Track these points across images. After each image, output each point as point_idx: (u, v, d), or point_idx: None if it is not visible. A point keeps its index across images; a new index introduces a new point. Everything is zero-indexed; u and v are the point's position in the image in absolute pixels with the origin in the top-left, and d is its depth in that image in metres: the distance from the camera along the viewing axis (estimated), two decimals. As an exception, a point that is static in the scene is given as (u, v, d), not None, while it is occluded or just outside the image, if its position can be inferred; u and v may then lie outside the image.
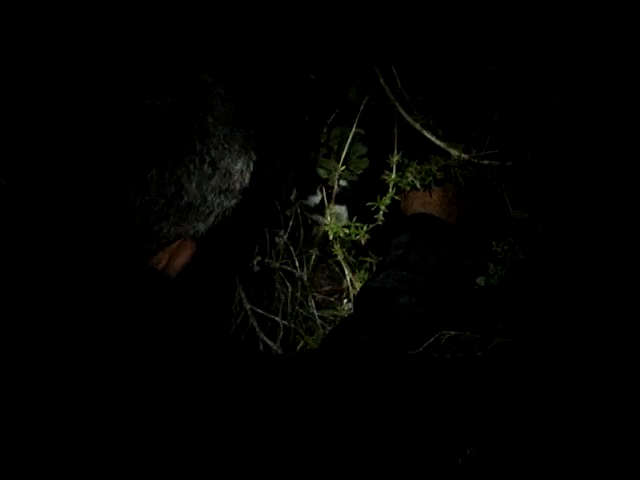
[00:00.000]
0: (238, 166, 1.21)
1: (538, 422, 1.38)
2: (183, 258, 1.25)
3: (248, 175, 1.23)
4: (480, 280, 1.48)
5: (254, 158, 1.24)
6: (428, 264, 1.59)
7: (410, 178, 1.65)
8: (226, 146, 1.19)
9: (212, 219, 1.22)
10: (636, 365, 1.35)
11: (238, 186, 1.23)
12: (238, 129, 1.21)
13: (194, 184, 1.16)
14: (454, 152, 1.63)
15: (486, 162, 1.61)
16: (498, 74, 1.64)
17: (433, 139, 1.66)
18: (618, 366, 1.36)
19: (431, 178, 1.65)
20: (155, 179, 1.14)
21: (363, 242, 1.67)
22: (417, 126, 1.67)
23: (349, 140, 1.76)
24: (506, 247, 1.48)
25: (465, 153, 1.62)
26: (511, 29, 1.60)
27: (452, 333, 1.40)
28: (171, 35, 1.38)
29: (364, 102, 1.75)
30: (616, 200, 1.40)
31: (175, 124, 1.16)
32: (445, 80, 1.69)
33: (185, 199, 1.17)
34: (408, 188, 1.65)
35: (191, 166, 1.16)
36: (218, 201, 1.20)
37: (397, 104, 1.68)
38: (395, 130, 1.69)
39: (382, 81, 1.69)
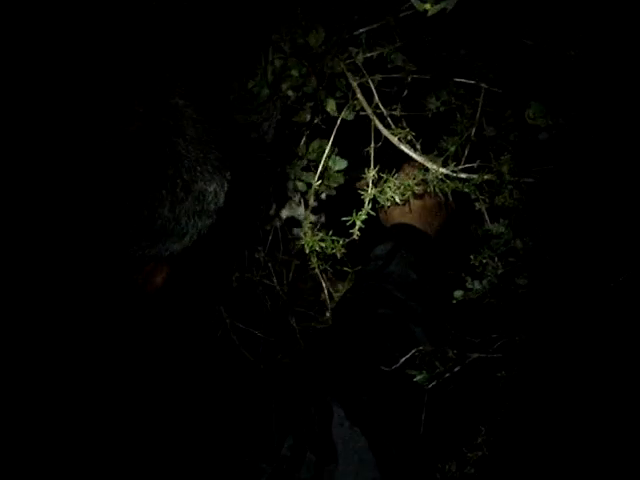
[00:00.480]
0: (212, 188, 1.20)
1: (518, 435, 1.38)
2: (159, 278, 1.24)
3: (222, 195, 1.22)
4: (458, 294, 1.47)
5: (229, 178, 1.23)
6: (408, 276, 1.60)
7: (389, 193, 1.65)
8: (199, 169, 1.18)
9: (187, 239, 1.21)
10: (623, 376, 1.36)
11: (212, 207, 1.22)
12: (211, 151, 1.20)
13: (167, 208, 1.16)
14: (432, 166, 1.63)
15: (464, 176, 1.61)
16: (476, 87, 1.64)
17: (411, 153, 1.66)
18: (602, 380, 1.36)
19: (410, 192, 1.65)
20: (127, 205, 1.14)
21: (339, 255, 1.68)
22: (395, 140, 1.67)
23: (326, 153, 1.76)
24: (484, 261, 1.47)
25: (443, 167, 1.62)
26: (490, 40, 1.59)
27: (430, 348, 1.40)
28: (140, 59, 1.37)
29: (341, 116, 1.75)
30: (598, 215, 1.40)
31: (146, 149, 1.15)
32: (423, 93, 1.70)
33: (158, 222, 1.16)
34: (388, 203, 1.65)
35: (163, 191, 1.15)
36: (192, 222, 1.19)
37: (374, 118, 1.68)
38: (372, 144, 1.68)
39: (359, 95, 1.69)
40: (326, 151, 1.75)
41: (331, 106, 1.76)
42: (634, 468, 1.40)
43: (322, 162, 1.75)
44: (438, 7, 1.25)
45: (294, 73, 1.71)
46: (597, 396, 1.38)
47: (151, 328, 1.28)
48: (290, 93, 1.73)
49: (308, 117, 1.76)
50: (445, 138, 1.65)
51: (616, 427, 1.42)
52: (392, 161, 1.70)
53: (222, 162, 1.22)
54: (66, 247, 1.15)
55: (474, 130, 1.63)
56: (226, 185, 1.23)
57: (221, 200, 1.23)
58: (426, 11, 1.23)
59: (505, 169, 1.51)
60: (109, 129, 1.14)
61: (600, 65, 1.41)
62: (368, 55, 1.69)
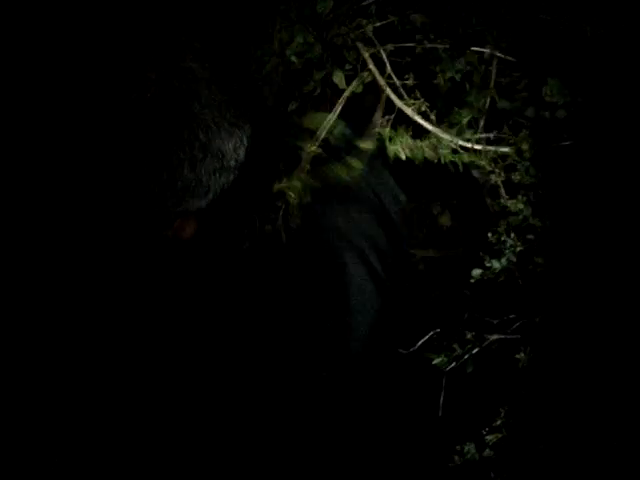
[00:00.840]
0: (230, 145, 1.24)
1: (536, 420, 1.37)
2: (187, 232, 1.30)
3: (242, 150, 1.26)
4: (476, 273, 1.45)
5: (248, 133, 1.26)
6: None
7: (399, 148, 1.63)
8: (214, 128, 1.22)
9: (211, 196, 1.25)
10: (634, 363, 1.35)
11: (233, 163, 1.26)
12: (227, 110, 1.23)
13: (186, 169, 1.20)
14: (445, 136, 1.60)
15: (479, 147, 1.58)
16: (492, 55, 1.60)
17: (425, 124, 1.62)
18: (617, 364, 1.35)
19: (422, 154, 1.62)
20: (148, 169, 1.18)
21: None
22: (408, 111, 1.63)
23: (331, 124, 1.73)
24: (502, 238, 1.45)
25: (457, 136, 1.59)
26: (506, 13, 1.55)
27: (446, 330, 1.39)
28: (150, 22, 1.36)
29: (350, 88, 1.70)
30: (617, 194, 1.38)
31: (161, 114, 1.18)
32: (436, 62, 1.65)
33: (180, 183, 1.21)
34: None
35: (181, 153, 1.18)
36: (214, 179, 1.23)
37: (387, 89, 1.64)
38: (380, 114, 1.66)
39: (371, 65, 1.65)
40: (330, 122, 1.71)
41: (339, 78, 1.71)
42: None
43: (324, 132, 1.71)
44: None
45: (299, 39, 1.66)
46: (615, 380, 1.37)
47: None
48: (294, 59, 1.68)
49: (317, 89, 1.71)
50: (457, 110, 1.61)
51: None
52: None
53: (239, 119, 1.24)
54: (94, 213, 1.18)
55: (488, 100, 1.59)
56: (245, 140, 1.26)
57: (241, 155, 1.26)
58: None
59: (525, 146, 1.48)
60: (125, 98, 1.17)
61: (616, 43, 1.37)
62: (378, 24, 1.64)
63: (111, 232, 1.17)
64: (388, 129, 1.64)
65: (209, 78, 1.22)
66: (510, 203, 1.47)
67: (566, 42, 1.43)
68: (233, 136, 1.22)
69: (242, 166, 1.25)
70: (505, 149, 1.55)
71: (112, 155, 1.15)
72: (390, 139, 1.64)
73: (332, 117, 1.72)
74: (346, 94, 1.68)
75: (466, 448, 1.34)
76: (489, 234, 1.46)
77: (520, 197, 1.47)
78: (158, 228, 1.21)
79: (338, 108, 1.69)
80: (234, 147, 1.22)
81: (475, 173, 1.64)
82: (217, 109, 1.21)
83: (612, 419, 1.33)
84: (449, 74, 1.61)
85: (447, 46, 1.58)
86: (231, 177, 1.22)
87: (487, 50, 1.58)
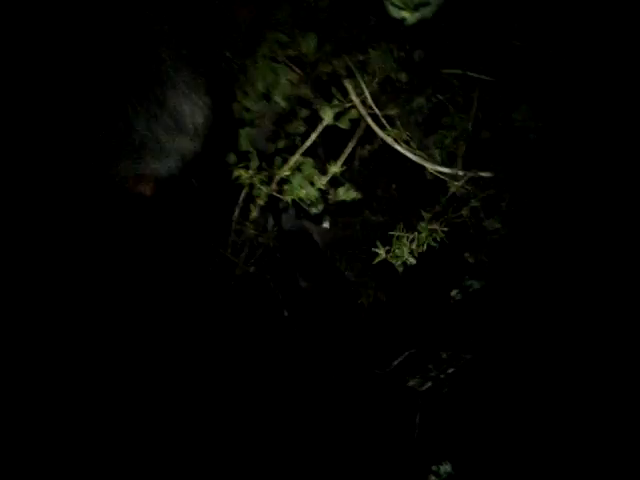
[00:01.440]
0: (186, 107, 1.24)
1: (515, 434, 1.34)
2: (147, 188, 1.29)
3: (200, 114, 1.27)
4: (455, 293, 1.44)
5: (207, 101, 1.27)
6: None
7: None
8: (169, 84, 1.23)
9: (171, 162, 1.25)
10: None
11: (190, 126, 1.26)
12: (186, 68, 1.25)
13: (142, 123, 1.21)
14: (428, 165, 1.61)
15: (461, 173, 1.58)
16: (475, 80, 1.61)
17: (407, 153, 1.64)
18: (594, 383, 1.32)
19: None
20: (105, 118, 1.18)
21: None
22: (389, 140, 1.65)
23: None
24: (479, 257, 1.44)
25: (440, 166, 1.60)
26: (478, 42, 1.57)
27: (422, 350, 1.37)
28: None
29: (339, 124, 1.72)
30: (591, 214, 1.37)
31: (121, 68, 1.19)
32: (418, 91, 1.67)
33: (137, 138, 1.21)
34: None
35: (137, 105, 1.20)
36: (171, 141, 1.24)
37: (368, 119, 1.66)
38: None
39: (354, 97, 1.67)
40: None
41: (327, 114, 1.72)
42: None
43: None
44: (417, 16, 1.24)
45: (283, 80, 1.69)
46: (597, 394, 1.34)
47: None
48: (281, 101, 1.70)
49: (301, 128, 1.73)
50: (441, 132, 1.63)
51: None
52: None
53: (197, 83, 1.26)
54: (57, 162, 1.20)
55: (470, 125, 1.60)
56: (203, 106, 1.27)
57: (199, 121, 1.27)
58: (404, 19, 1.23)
59: (501, 173, 1.49)
60: (82, 45, 1.19)
61: (585, 69, 1.39)
62: (361, 58, 1.67)
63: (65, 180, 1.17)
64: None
65: (174, 42, 1.25)
66: (487, 222, 1.47)
67: (536, 67, 1.44)
68: (190, 99, 1.23)
69: (205, 137, 1.26)
70: (485, 174, 1.55)
71: (70, 102, 1.16)
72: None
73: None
74: (325, 123, 1.69)
75: (442, 468, 1.31)
76: (466, 254, 1.45)
77: (497, 217, 1.46)
78: (121, 183, 1.21)
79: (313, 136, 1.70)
80: (191, 110, 1.23)
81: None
82: (175, 68, 1.22)
83: (591, 441, 1.30)
84: (421, 100, 1.64)
85: (419, 75, 1.61)
86: (191, 145, 1.22)
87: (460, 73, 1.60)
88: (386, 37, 1.62)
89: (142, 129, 1.18)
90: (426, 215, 1.52)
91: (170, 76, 1.21)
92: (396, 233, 1.52)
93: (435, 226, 1.47)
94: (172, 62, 1.22)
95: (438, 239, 1.43)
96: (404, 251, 1.45)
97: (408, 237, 1.50)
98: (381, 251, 1.47)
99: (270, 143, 1.75)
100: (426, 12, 1.22)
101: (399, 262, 1.44)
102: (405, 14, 1.23)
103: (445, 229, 1.44)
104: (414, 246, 1.46)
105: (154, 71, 1.20)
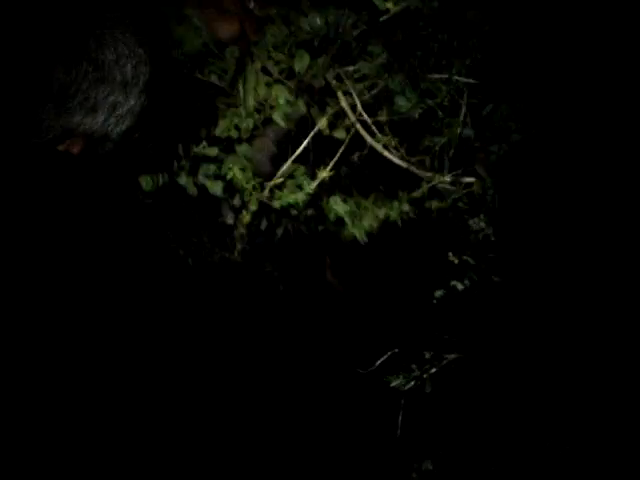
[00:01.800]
0: (112, 56, 1.19)
1: (497, 434, 1.32)
2: (75, 148, 1.21)
3: (129, 67, 1.20)
4: (438, 294, 1.44)
5: (140, 53, 1.19)
6: None
7: None
8: (88, 31, 1.16)
9: (101, 117, 1.20)
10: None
11: (119, 77, 1.19)
12: (109, 12, 1.19)
13: (61, 69, 1.14)
14: (416, 171, 1.62)
15: (448, 178, 1.59)
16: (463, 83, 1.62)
17: (395, 160, 1.64)
18: (580, 385, 1.30)
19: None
20: (21, 62, 1.13)
21: None
22: (379, 147, 1.66)
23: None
24: (464, 257, 1.44)
25: (428, 171, 1.61)
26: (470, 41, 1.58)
27: (405, 350, 1.36)
28: None
29: (334, 134, 1.73)
30: (576, 212, 1.37)
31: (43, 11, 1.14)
32: (408, 97, 1.68)
33: (56, 84, 1.14)
34: None
35: (55, 50, 1.14)
36: (98, 92, 1.18)
37: (358, 125, 1.67)
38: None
39: (343, 103, 1.69)
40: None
41: (323, 124, 1.74)
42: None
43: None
44: (401, 5, 1.25)
45: (281, 101, 1.71)
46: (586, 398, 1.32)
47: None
48: (280, 120, 1.71)
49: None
50: (429, 137, 1.63)
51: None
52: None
53: (133, 36, 1.19)
54: None
55: (458, 130, 1.61)
56: (129, 53, 1.20)
57: (128, 72, 1.20)
58: (388, 10, 1.24)
59: (483, 172, 1.49)
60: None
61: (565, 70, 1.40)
62: (351, 69, 1.68)
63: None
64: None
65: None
66: (472, 222, 1.47)
67: (517, 67, 1.45)
68: (116, 48, 1.18)
69: (146, 98, 1.21)
70: (470, 179, 1.56)
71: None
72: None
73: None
74: (316, 129, 1.70)
75: (423, 465, 1.30)
76: (450, 253, 1.45)
77: (482, 216, 1.46)
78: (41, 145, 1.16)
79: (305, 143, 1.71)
80: (117, 59, 1.17)
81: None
82: (95, 18, 1.18)
83: (575, 441, 1.28)
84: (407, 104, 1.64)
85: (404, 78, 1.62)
86: (121, 99, 1.17)
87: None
88: (375, 43, 1.64)
89: (61, 75, 1.13)
90: (402, 196, 1.52)
91: (95, 29, 1.16)
92: (368, 205, 1.54)
93: (407, 208, 1.48)
94: (95, 15, 1.18)
95: (405, 218, 1.45)
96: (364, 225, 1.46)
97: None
98: (347, 219, 1.48)
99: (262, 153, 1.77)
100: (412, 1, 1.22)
101: (360, 232, 1.47)
102: (389, 4, 1.23)
103: (416, 212, 1.46)
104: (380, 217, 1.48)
105: (76, 21, 1.15)
